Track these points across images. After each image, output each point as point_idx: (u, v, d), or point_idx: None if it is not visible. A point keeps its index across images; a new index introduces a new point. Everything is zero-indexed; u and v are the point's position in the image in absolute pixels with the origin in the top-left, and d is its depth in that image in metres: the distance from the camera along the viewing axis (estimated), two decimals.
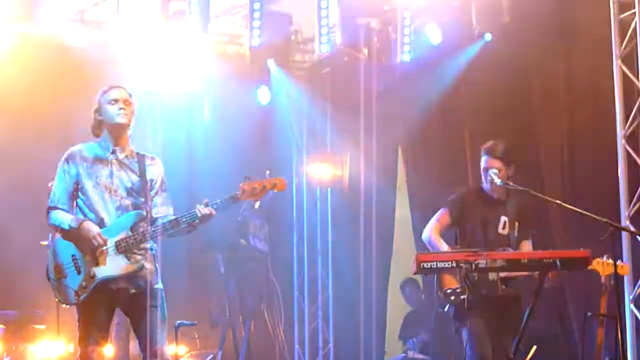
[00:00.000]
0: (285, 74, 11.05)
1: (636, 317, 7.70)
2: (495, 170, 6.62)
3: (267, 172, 5.62)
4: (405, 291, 10.99)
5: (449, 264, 5.73)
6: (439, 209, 6.89)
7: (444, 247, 6.63)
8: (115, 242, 5.55)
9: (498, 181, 6.57)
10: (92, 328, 5.60)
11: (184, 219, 5.57)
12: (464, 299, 6.31)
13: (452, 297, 6.51)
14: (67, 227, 5.62)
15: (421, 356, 10.23)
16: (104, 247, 5.54)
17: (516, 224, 6.70)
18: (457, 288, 6.46)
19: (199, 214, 5.52)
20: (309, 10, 9.92)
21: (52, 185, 8.95)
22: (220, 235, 9.80)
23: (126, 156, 5.75)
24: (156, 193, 5.74)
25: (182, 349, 9.49)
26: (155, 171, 5.78)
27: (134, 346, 9.05)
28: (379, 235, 11.15)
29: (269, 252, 10.51)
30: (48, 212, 5.75)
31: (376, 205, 11.16)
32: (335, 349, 11.46)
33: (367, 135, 11.28)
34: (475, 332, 6.44)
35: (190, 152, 10.58)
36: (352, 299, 11.27)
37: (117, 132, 5.73)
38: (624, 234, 7.58)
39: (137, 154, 5.79)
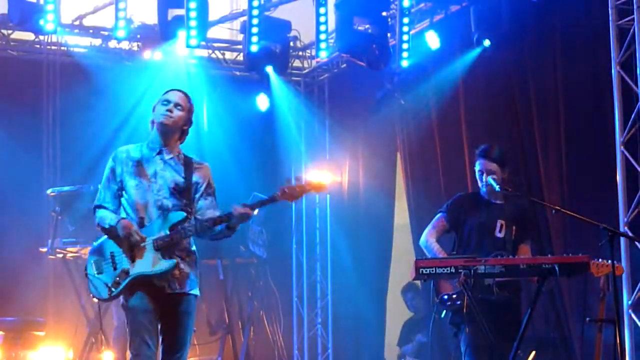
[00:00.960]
0: (283, 81, 11.06)
1: (634, 322, 7.70)
2: (495, 176, 6.62)
3: (303, 176, 5.75)
4: (407, 296, 10.97)
5: (447, 270, 5.74)
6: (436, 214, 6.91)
7: (440, 252, 6.63)
8: (153, 240, 5.57)
9: (497, 187, 6.56)
10: (140, 328, 5.57)
11: (221, 219, 5.61)
12: (460, 304, 6.33)
13: (449, 303, 6.52)
14: (107, 226, 5.65)
15: None
16: (142, 245, 5.57)
17: (513, 227, 6.69)
18: (453, 294, 6.46)
19: (235, 213, 5.56)
20: (307, 16, 9.93)
21: (51, 192, 9.04)
22: (219, 241, 9.79)
23: (172, 157, 5.77)
24: (201, 196, 5.76)
25: None
26: (201, 174, 5.79)
27: None
28: (377, 241, 11.16)
29: (267, 259, 10.50)
30: (94, 211, 5.78)
31: (375, 212, 11.17)
32: (334, 355, 11.45)
33: (365, 142, 11.30)
34: (472, 337, 6.44)
35: None
36: (351, 305, 11.27)
37: (164, 133, 5.75)
38: (622, 240, 7.59)
39: (185, 156, 5.82)
